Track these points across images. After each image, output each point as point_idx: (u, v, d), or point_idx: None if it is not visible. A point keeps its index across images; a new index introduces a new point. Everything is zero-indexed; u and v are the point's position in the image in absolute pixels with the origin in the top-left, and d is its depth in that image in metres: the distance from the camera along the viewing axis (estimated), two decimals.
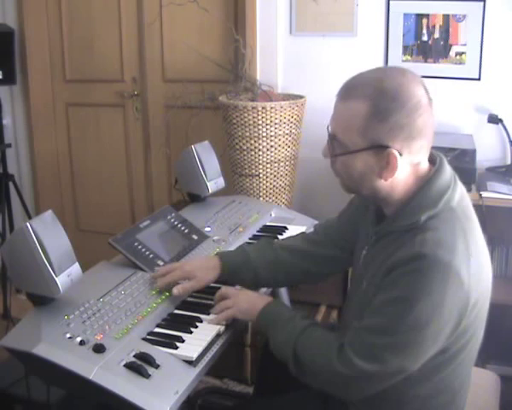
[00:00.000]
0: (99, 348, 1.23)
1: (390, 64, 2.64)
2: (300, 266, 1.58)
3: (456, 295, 1.13)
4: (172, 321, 1.43)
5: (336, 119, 1.23)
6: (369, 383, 1.19)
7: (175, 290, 1.49)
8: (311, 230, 1.71)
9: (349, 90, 1.21)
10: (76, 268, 1.38)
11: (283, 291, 2.16)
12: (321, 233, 1.61)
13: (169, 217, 1.85)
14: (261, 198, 2.59)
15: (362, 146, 1.19)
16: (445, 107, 2.64)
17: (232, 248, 1.82)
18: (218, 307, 1.45)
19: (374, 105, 1.16)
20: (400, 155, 1.17)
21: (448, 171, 1.25)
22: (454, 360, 1.23)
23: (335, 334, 1.28)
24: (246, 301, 1.43)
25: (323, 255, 1.57)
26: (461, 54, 2.57)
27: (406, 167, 1.21)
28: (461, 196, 1.25)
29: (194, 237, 1.84)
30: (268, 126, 2.48)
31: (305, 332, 1.29)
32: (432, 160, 1.27)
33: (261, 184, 2.59)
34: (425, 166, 1.25)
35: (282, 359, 1.31)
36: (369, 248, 1.33)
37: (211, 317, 1.44)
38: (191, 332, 1.38)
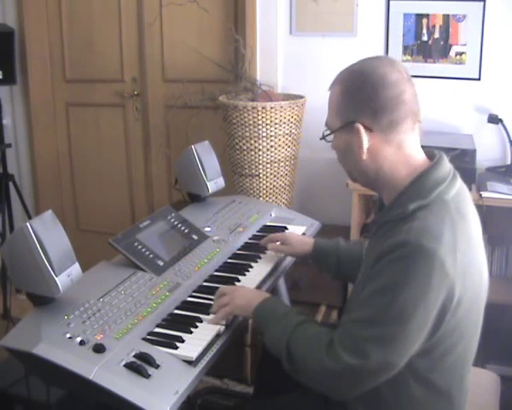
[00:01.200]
0: (99, 348, 1.23)
1: None
2: None
3: (441, 284, 1.12)
4: (172, 321, 1.43)
5: (328, 108, 1.33)
6: (355, 379, 1.18)
7: (269, 246, 1.78)
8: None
9: (333, 80, 1.32)
10: (76, 268, 1.38)
11: (283, 291, 2.16)
12: None
13: (169, 217, 1.85)
14: (261, 198, 2.59)
15: (338, 125, 1.29)
16: (445, 107, 2.64)
17: (232, 248, 1.83)
18: (216, 304, 1.46)
19: (343, 86, 1.27)
20: (370, 130, 1.23)
21: (447, 167, 1.26)
22: (443, 362, 1.22)
23: (328, 329, 1.27)
24: (242, 298, 1.44)
25: None
26: (461, 54, 2.57)
27: (385, 146, 1.24)
28: (458, 193, 1.24)
29: (195, 237, 1.84)
30: (268, 126, 2.48)
31: (298, 328, 1.28)
32: (431, 156, 1.28)
33: (261, 184, 2.59)
34: (419, 157, 1.27)
35: (276, 354, 1.31)
36: (370, 239, 1.35)
37: (210, 317, 1.44)
38: (191, 332, 1.38)
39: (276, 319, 1.33)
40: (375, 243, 1.29)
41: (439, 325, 1.16)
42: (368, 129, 1.23)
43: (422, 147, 1.29)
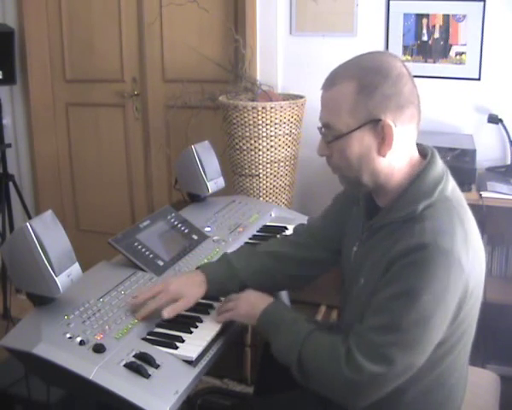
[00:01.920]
0: (99, 348, 1.23)
1: None
2: (288, 272, 1.54)
3: (458, 281, 1.13)
4: (172, 321, 1.42)
5: (325, 108, 1.25)
6: (379, 386, 1.16)
7: (165, 314, 1.38)
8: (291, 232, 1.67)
9: (332, 79, 1.23)
10: (76, 268, 1.38)
11: (283, 291, 2.16)
12: (304, 235, 1.58)
13: (169, 217, 1.85)
14: (261, 198, 2.59)
15: (355, 125, 1.19)
16: (445, 107, 2.64)
17: (232, 248, 1.82)
18: (220, 308, 1.45)
19: (359, 82, 1.18)
20: (395, 125, 1.18)
21: (440, 162, 1.26)
22: (451, 352, 1.22)
23: (340, 338, 1.23)
24: (245, 305, 1.40)
25: (310, 259, 1.53)
26: (461, 54, 2.57)
27: (403, 141, 1.21)
28: (453, 187, 1.26)
29: (194, 237, 1.84)
30: (268, 126, 2.48)
31: (310, 337, 1.25)
32: (423, 153, 1.28)
33: (261, 184, 2.59)
34: (416, 154, 1.27)
35: (284, 363, 1.28)
36: (361, 244, 1.33)
37: (211, 316, 1.44)
38: (191, 332, 1.38)
39: (284, 326, 1.30)
40: (371, 247, 1.27)
41: (455, 318, 1.17)
42: (394, 124, 1.18)
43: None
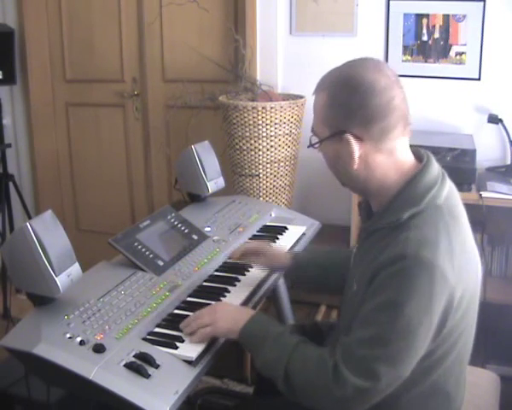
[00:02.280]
0: (99, 348, 1.23)
1: (390, 64, 2.64)
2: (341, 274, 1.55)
3: (443, 293, 1.12)
4: (172, 321, 1.43)
5: (313, 112, 1.29)
6: (364, 400, 1.15)
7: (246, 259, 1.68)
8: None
9: (316, 86, 1.29)
10: (76, 268, 1.38)
11: (283, 291, 2.16)
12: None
13: (169, 217, 1.85)
14: (261, 198, 2.59)
15: (326, 135, 1.25)
16: (445, 107, 2.64)
17: (232, 248, 1.82)
18: (194, 324, 1.35)
19: (329, 95, 1.22)
20: (361, 139, 1.20)
21: (435, 168, 1.25)
22: (443, 362, 1.22)
23: (328, 350, 1.22)
24: (225, 318, 1.34)
25: None
26: (461, 54, 2.57)
27: (377, 154, 1.21)
28: (448, 194, 1.24)
29: (194, 237, 1.84)
30: (268, 126, 2.48)
31: (296, 350, 1.23)
32: (419, 157, 1.27)
33: (261, 184, 2.59)
34: (408, 160, 1.25)
35: (269, 377, 1.26)
36: (359, 246, 1.34)
37: (186, 339, 1.34)
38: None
39: (269, 341, 1.26)
40: (365, 251, 1.27)
41: (440, 329, 1.16)
42: (358, 138, 1.20)
43: (411, 146, 1.27)
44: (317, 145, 1.28)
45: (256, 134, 2.49)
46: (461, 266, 1.16)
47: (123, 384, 1.15)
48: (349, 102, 1.19)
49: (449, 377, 1.26)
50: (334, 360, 1.17)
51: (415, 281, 1.10)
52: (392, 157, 1.22)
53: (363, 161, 1.22)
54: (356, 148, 1.20)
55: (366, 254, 1.25)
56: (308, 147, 1.32)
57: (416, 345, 1.13)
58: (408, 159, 1.25)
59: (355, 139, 1.20)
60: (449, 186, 1.25)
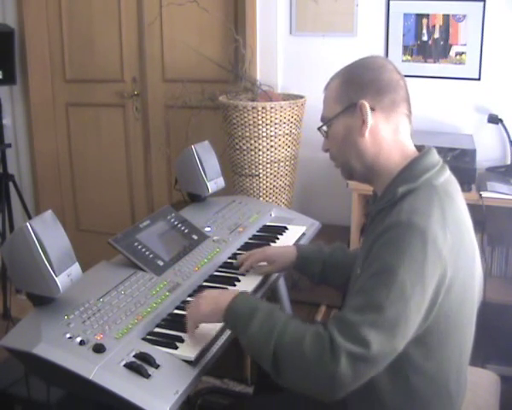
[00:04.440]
0: (99, 348, 1.23)
1: None
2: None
3: (436, 260, 1.13)
4: (172, 321, 1.43)
5: (323, 105, 1.37)
6: (357, 374, 1.12)
7: (258, 271, 1.68)
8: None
9: (329, 79, 1.37)
10: (76, 268, 1.38)
11: (283, 291, 2.16)
12: None
13: (169, 217, 1.85)
14: (261, 198, 2.59)
15: (339, 110, 1.31)
16: (445, 107, 2.64)
17: (232, 248, 1.83)
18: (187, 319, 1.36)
19: (344, 77, 1.33)
20: (372, 109, 1.26)
21: (435, 157, 1.29)
22: (437, 352, 1.21)
23: (322, 326, 1.18)
24: (207, 301, 1.33)
25: None
26: (461, 54, 2.57)
27: (385, 126, 1.28)
28: (447, 181, 1.26)
29: (194, 237, 1.84)
30: (268, 126, 2.48)
31: (288, 325, 1.19)
32: (421, 150, 1.31)
33: (261, 184, 2.59)
34: (410, 146, 1.31)
35: (256, 355, 1.22)
36: (365, 233, 1.36)
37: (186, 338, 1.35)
38: None
39: (257, 316, 1.22)
40: (369, 234, 1.29)
41: (433, 305, 1.16)
42: (370, 108, 1.26)
43: (414, 145, 1.33)
44: (328, 126, 1.34)
45: (256, 134, 2.49)
46: (454, 243, 1.17)
47: (123, 384, 1.15)
48: (362, 77, 1.29)
49: (448, 372, 1.25)
50: (329, 332, 1.14)
51: (407, 246, 1.12)
52: (396, 136, 1.29)
53: (372, 133, 1.28)
54: (369, 114, 1.26)
55: (369, 238, 1.26)
56: (318, 129, 1.37)
57: (408, 315, 1.12)
58: (410, 146, 1.31)
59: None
60: (448, 176, 1.29)
